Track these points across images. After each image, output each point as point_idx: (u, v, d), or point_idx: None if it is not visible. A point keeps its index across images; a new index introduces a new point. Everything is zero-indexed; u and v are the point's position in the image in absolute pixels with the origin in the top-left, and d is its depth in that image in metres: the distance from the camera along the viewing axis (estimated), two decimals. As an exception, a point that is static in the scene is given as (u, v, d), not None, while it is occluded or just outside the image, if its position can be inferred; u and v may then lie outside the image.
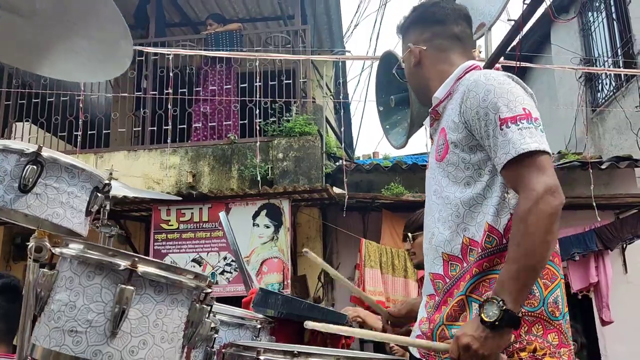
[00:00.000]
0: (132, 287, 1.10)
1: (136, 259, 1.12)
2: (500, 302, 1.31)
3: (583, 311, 6.72)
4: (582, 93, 8.11)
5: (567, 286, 6.07)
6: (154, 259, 1.17)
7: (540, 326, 1.44)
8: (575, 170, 6.12)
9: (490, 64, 2.78)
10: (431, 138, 1.74)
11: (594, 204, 5.63)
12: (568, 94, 8.76)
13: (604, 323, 5.91)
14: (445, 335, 1.49)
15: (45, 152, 1.51)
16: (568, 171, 6.08)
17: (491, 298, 1.34)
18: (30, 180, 1.47)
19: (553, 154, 6.48)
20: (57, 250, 1.16)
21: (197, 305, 1.22)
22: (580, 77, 8.29)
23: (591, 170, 5.82)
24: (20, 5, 1.23)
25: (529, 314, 1.44)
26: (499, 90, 1.46)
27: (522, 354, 1.41)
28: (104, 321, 1.09)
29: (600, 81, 8.30)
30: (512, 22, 2.81)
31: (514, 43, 2.83)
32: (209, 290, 1.26)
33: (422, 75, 1.73)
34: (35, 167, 1.48)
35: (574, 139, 8.28)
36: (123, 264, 1.11)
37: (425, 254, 1.65)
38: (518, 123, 1.41)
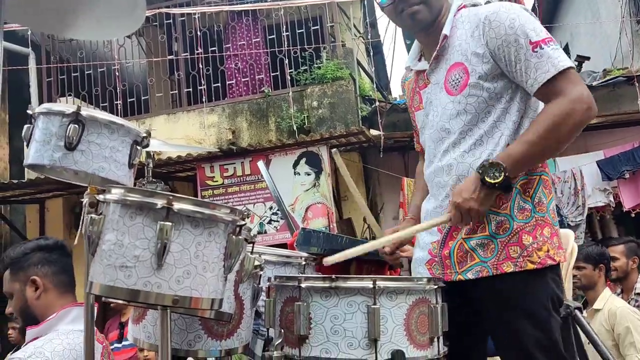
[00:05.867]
0: (170, 223, 1.19)
1: (171, 197, 1.20)
2: (503, 168, 1.47)
3: (638, 229, 6.59)
4: (625, 5, 7.68)
5: (619, 205, 5.94)
6: (189, 197, 1.26)
7: (549, 229, 1.59)
8: (621, 86, 5.86)
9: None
10: (427, 77, 1.74)
11: (642, 119, 5.44)
12: (610, 8, 8.30)
13: (660, 239, 5.79)
14: (464, 247, 1.60)
15: (84, 111, 1.60)
16: (614, 88, 5.83)
17: (496, 162, 1.48)
18: (74, 138, 1.57)
19: (598, 71, 6.23)
20: (101, 197, 1.26)
21: (234, 237, 1.31)
22: (623, -13, 7.82)
23: (637, 84, 5.58)
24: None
25: (540, 219, 1.58)
26: (523, 18, 1.57)
27: (540, 253, 1.56)
28: (150, 255, 1.19)
29: (644, -10, 7.81)
30: None
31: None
32: (244, 223, 1.34)
33: None
34: (76, 125, 1.57)
35: (619, 54, 7.89)
36: (160, 202, 1.20)
37: (443, 186, 1.68)
38: (549, 44, 1.52)
